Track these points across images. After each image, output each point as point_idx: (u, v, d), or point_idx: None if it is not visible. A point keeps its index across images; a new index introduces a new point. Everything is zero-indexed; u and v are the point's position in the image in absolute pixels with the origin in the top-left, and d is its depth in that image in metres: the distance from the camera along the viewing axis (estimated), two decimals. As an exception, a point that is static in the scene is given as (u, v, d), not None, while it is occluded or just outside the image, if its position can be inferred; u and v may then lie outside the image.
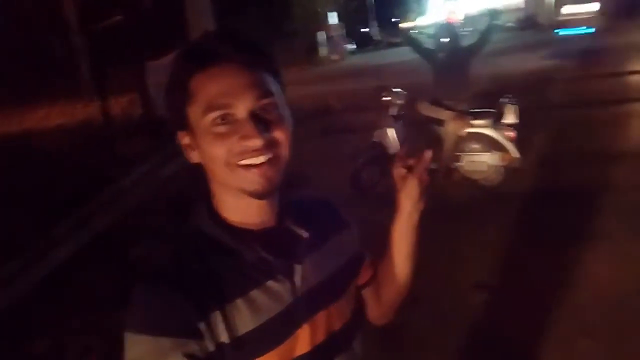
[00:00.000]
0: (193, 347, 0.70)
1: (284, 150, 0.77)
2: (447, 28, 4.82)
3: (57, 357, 3.10)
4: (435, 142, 4.83)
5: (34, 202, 4.57)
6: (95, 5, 8.31)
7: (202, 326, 0.71)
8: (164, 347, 0.68)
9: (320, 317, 0.83)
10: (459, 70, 4.66)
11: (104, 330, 2.73)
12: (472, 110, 4.61)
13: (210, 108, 0.72)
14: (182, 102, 0.75)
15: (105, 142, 7.21)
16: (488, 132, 4.54)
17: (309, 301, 0.82)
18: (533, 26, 29.60)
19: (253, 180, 0.74)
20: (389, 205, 1.07)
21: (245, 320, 0.75)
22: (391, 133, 4.91)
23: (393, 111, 4.92)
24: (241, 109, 0.72)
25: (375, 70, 18.89)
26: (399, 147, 4.91)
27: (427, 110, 4.76)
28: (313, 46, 31.78)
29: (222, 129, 0.72)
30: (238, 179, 0.74)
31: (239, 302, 0.75)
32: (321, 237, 0.88)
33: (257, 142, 0.72)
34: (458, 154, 4.71)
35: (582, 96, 8.15)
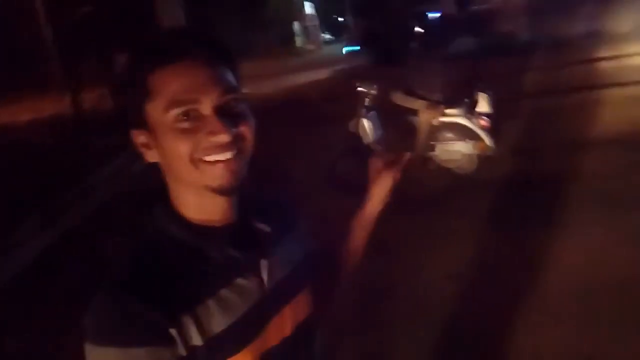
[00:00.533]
0: (165, 354, 0.69)
1: (249, 145, 0.76)
2: (422, 19, 4.83)
3: (27, 357, 3.04)
4: (410, 131, 4.85)
5: (1, 199, 4.46)
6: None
7: (173, 332, 0.70)
8: (134, 357, 0.67)
9: (288, 309, 0.84)
10: (432, 61, 4.68)
11: (73, 329, 2.67)
12: (445, 99, 4.63)
13: (173, 104, 0.70)
14: (140, 100, 0.73)
15: (75, 137, 7.06)
16: (462, 121, 4.58)
17: (277, 295, 0.83)
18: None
19: (219, 175, 0.73)
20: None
21: (218, 320, 0.74)
22: (366, 123, 4.91)
23: (367, 101, 4.92)
24: (206, 104, 0.71)
25: (351, 60, 18.86)
26: (373, 137, 4.92)
27: (401, 100, 4.77)
28: (289, 36, 31.64)
29: (186, 124, 0.71)
30: (203, 175, 0.73)
31: (210, 303, 0.74)
32: (281, 231, 0.88)
33: (224, 138, 0.71)
34: (432, 143, 4.74)
35: (554, 84, 8.25)
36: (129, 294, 0.70)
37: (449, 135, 4.66)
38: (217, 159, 0.72)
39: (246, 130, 0.75)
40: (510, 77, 8.87)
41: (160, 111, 0.72)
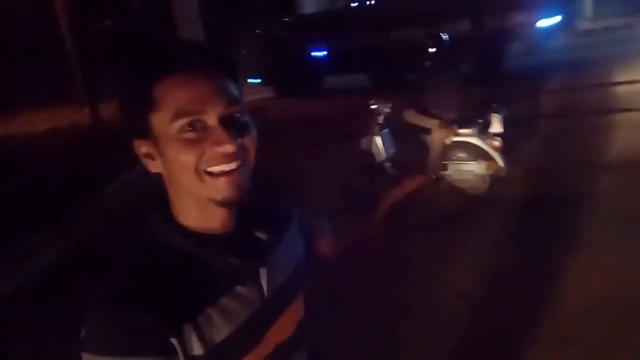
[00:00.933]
0: None
1: (252, 157, 0.77)
2: (435, 37, 4.86)
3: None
4: (422, 150, 4.86)
5: (16, 207, 4.52)
6: (86, 9, 8.28)
7: (174, 341, 0.70)
8: None
9: (287, 315, 0.85)
10: (445, 80, 4.70)
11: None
12: (458, 119, 4.64)
13: (179, 114, 0.71)
14: (144, 110, 0.73)
15: (94, 147, 7.17)
16: (474, 140, 4.57)
17: (276, 302, 0.84)
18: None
19: (223, 188, 0.74)
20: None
21: (219, 329, 0.74)
22: (378, 141, 4.93)
23: (380, 119, 4.94)
24: (211, 115, 0.72)
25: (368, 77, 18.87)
26: (385, 155, 4.94)
27: (414, 118, 4.79)
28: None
29: (191, 135, 0.72)
30: (207, 187, 0.73)
31: (210, 312, 0.74)
32: (277, 237, 0.89)
33: (229, 148, 0.72)
34: (445, 162, 4.73)
35: (567, 106, 8.22)
36: (129, 303, 0.70)
37: (462, 155, 4.66)
38: (222, 169, 0.73)
39: (249, 141, 0.76)
40: (525, 98, 8.85)
41: (166, 121, 0.72)
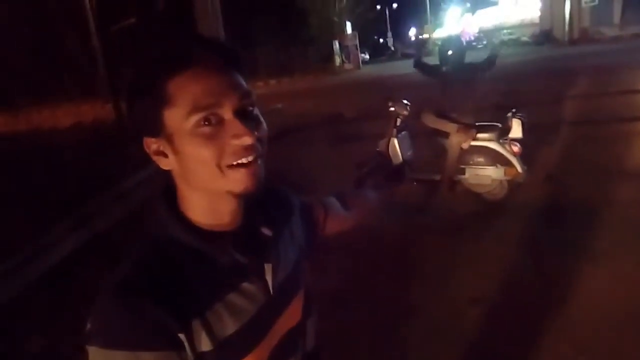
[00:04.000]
0: (174, 359, 0.69)
1: (265, 149, 0.77)
2: (453, 41, 4.83)
3: (53, 356, 3.12)
4: (440, 153, 4.83)
5: (36, 200, 4.61)
6: (111, 7, 8.45)
7: (181, 336, 0.70)
8: None
9: (291, 308, 0.87)
10: (463, 83, 4.66)
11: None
12: (477, 123, 4.60)
13: (194, 110, 0.70)
14: (157, 107, 0.72)
15: (116, 143, 7.29)
16: (493, 145, 4.52)
17: (281, 296, 0.85)
18: (548, 41, 29.57)
19: (243, 180, 0.73)
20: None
21: (227, 324, 0.75)
22: (395, 144, 4.92)
23: (398, 122, 4.93)
24: (227, 108, 0.72)
25: (388, 81, 18.91)
26: (403, 157, 4.93)
27: (432, 122, 4.76)
28: (328, 55, 31.95)
29: (208, 130, 0.71)
30: (228, 180, 0.73)
31: (218, 307, 0.74)
32: (280, 229, 0.90)
33: (248, 139, 0.72)
34: (462, 166, 4.69)
35: (590, 113, 8.10)
36: (137, 296, 0.69)
37: (480, 159, 4.61)
38: (242, 162, 0.73)
39: (262, 133, 0.76)
40: (548, 103, 8.75)
41: (180, 117, 0.71)
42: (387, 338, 2.89)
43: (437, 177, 4.83)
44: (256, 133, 0.74)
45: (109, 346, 0.66)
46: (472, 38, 42.12)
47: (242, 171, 0.73)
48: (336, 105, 13.30)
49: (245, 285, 0.79)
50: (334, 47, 32.58)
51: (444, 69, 4.73)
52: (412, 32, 61.94)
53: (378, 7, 47.65)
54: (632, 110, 7.75)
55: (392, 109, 4.93)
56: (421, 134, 5.06)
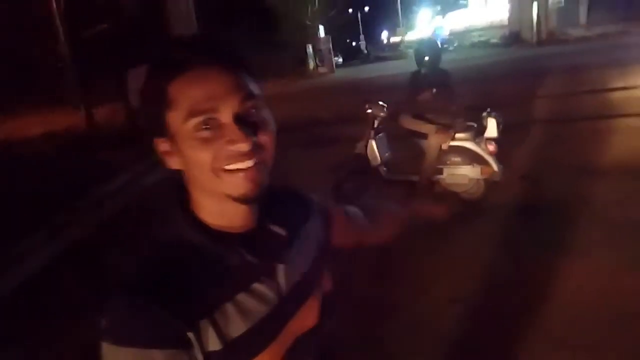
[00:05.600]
0: (183, 357, 0.70)
1: (270, 153, 0.76)
2: (429, 44, 4.87)
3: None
4: (418, 155, 4.87)
5: (10, 209, 4.50)
6: (82, 14, 8.30)
7: (190, 335, 0.71)
8: (151, 359, 0.68)
9: (303, 311, 0.85)
10: (440, 85, 4.71)
11: (77, 339, 2.69)
12: (454, 123, 4.65)
13: (192, 113, 0.70)
14: (160, 109, 0.73)
15: (88, 150, 7.17)
16: (469, 145, 4.58)
17: (293, 298, 0.83)
18: (516, 43, 30.17)
19: (240, 184, 0.73)
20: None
21: (236, 325, 0.75)
22: (373, 145, 4.94)
23: (375, 124, 4.95)
24: (225, 112, 0.71)
25: (363, 84, 19.05)
26: (381, 159, 4.95)
27: (410, 123, 4.79)
28: (302, 59, 31.99)
29: (206, 133, 0.71)
30: (224, 184, 0.73)
31: (228, 308, 0.74)
32: (296, 232, 0.88)
33: (244, 146, 0.71)
34: (440, 166, 4.74)
35: (561, 112, 8.28)
36: (148, 295, 0.70)
37: (457, 159, 4.66)
38: (237, 167, 0.72)
39: (266, 138, 0.75)
40: (520, 103, 8.91)
41: (181, 120, 0.72)
42: (369, 335, 2.89)
43: (415, 178, 4.86)
44: (255, 138, 0.73)
45: (120, 344, 0.68)
46: (444, 40, 42.76)
47: (239, 176, 0.73)
48: (313, 109, 13.32)
49: (256, 285, 0.78)
50: (308, 51, 32.64)
51: (422, 71, 4.76)
52: (385, 35, 62.62)
53: (350, 10, 47.98)
54: (601, 109, 7.95)
55: (370, 111, 4.95)
56: (398, 135, 5.08)
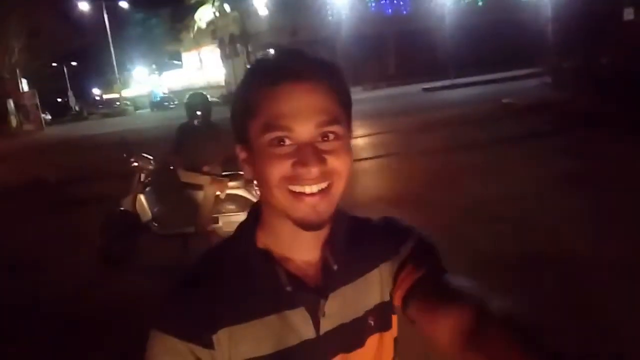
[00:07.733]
0: (205, 357, 0.71)
1: (341, 183, 0.72)
2: (200, 98, 4.89)
3: None
4: (191, 206, 4.81)
5: None
6: None
7: (214, 339, 0.71)
8: (175, 349, 0.69)
9: (345, 358, 0.78)
10: (212, 137, 4.78)
11: None
12: (225, 173, 4.78)
13: (269, 128, 0.68)
14: (243, 116, 0.73)
15: None
16: (241, 192, 4.76)
17: (329, 340, 0.77)
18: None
19: (300, 209, 0.69)
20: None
21: (260, 345, 0.72)
22: (142, 200, 4.71)
23: (142, 177, 4.74)
24: (302, 133, 0.68)
25: (81, 141, 17.84)
26: (150, 214, 4.73)
27: (186, 176, 4.73)
28: (3, 115, 27.94)
29: (278, 150, 0.69)
30: (287, 205, 0.70)
31: (256, 324, 0.73)
32: (357, 271, 0.81)
33: (311, 171, 0.68)
34: (215, 215, 4.78)
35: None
36: (195, 294, 0.73)
37: (231, 207, 4.78)
38: (302, 190, 0.69)
39: (339, 166, 0.71)
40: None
41: (258, 132, 0.70)
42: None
43: (190, 229, 4.78)
44: (325, 165, 0.69)
45: (165, 332, 0.70)
46: (163, 98, 42.95)
47: (302, 199, 0.70)
48: (32, 169, 11.75)
49: (288, 313, 0.74)
50: (9, 106, 28.77)
51: (195, 123, 4.75)
52: (97, 92, 59.50)
53: (54, 64, 44.24)
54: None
55: (136, 164, 4.72)
56: (168, 187, 4.95)
